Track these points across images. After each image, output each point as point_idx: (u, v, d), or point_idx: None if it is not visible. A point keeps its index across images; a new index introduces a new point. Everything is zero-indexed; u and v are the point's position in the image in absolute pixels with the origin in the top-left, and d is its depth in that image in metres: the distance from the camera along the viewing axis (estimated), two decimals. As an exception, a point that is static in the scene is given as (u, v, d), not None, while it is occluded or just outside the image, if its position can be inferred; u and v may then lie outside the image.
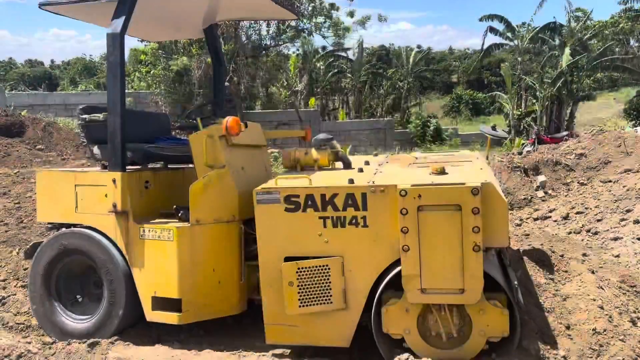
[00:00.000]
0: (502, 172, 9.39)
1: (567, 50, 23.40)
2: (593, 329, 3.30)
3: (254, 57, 20.06)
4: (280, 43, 21.04)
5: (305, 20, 20.58)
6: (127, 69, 23.97)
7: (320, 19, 21.18)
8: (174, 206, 3.91)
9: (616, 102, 36.61)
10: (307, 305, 3.35)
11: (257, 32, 20.33)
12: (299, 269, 3.34)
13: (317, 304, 3.35)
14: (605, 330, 3.30)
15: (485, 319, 3.15)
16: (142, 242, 3.77)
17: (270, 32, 20.77)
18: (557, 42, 25.37)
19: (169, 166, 4.52)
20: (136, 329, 4.00)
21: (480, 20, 26.38)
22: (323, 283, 3.33)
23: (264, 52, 20.83)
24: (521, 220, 7.81)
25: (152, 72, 19.26)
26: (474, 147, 21.12)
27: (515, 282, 3.25)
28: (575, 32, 25.11)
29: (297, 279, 3.34)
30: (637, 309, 3.86)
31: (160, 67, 18.65)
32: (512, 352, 3.15)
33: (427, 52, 44.67)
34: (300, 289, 3.34)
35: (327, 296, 3.34)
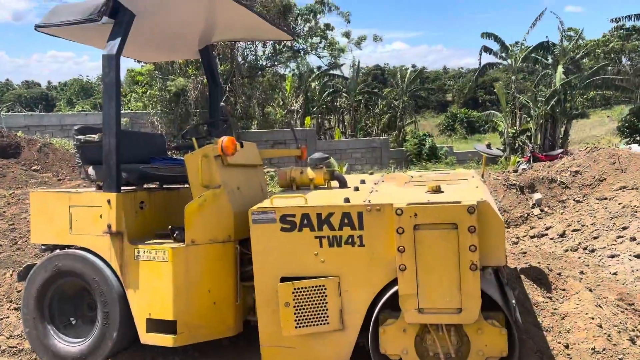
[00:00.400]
0: (497, 190, 9.41)
1: (560, 69, 23.67)
2: (592, 348, 3.28)
3: (250, 77, 20.18)
4: (276, 63, 21.19)
5: (301, 41, 20.77)
6: (123, 90, 24.10)
7: (316, 40, 21.39)
8: (169, 226, 3.89)
9: (610, 119, 36.93)
10: (303, 326, 3.31)
11: (253, 52, 20.51)
12: (295, 289, 3.31)
13: (313, 324, 3.31)
14: (604, 349, 3.27)
15: (484, 339, 3.12)
16: (137, 263, 3.74)
17: (266, 52, 20.95)
18: (550, 61, 25.67)
19: (164, 186, 4.50)
20: (130, 351, 3.95)
21: (482, 36, 26.71)
22: (319, 303, 3.30)
23: (260, 72, 20.97)
24: (518, 238, 7.80)
25: (148, 92, 19.33)
26: (469, 165, 21.22)
27: (513, 301, 3.22)
28: (567, 51, 25.41)
29: (294, 299, 3.31)
30: (635, 327, 3.83)
31: (157, 87, 18.73)
32: (511, 372, 3.11)
33: (422, 71, 45.07)
34: (296, 309, 3.31)
35: (324, 317, 3.30)
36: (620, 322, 3.77)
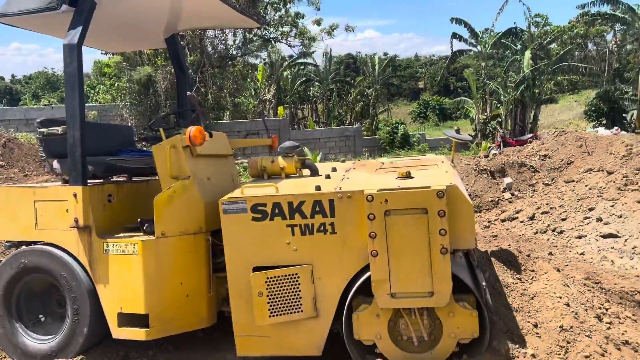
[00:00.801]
0: (469, 175, 9.53)
1: (528, 54, 24.05)
2: (560, 326, 3.36)
3: (221, 67, 19.93)
4: (247, 53, 20.96)
5: (271, 30, 20.58)
6: (91, 82, 23.54)
7: (287, 28, 21.21)
8: (139, 219, 3.82)
9: (577, 104, 37.69)
10: (277, 315, 3.31)
11: (223, 42, 20.22)
12: (268, 278, 3.30)
13: (287, 313, 3.31)
14: (571, 327, 3.35)
15: (455, 321, 3.17)
16: (107, 257, 3.67)
17: (237, 41, 20.70)
18: (518, 47, 26.02)
19: (133, 179, 4.42)
20: (102, 347, 3.89)
21: (451, 21, 26.90)
22: (293, 292, 3.30)
23: (230, 62, 20.72)
24: (489, 222, 7.93)
25: (116, 84, 18.92)
26: (441, 151, 21.46)
27: (484, 283, 3.28)
28: (535, 37, 25.81)
29: (267, 288, 3.30)
30: (601, 305, 3.94)
31: (125, 79, 18.34)
32: (482, 352, 3.17)
33: (393, 59, 45.20)
34: (270, 298, 3.30)
35: (298, 305, 3.30)
36: (587, 300, 3.87)
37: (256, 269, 3.34)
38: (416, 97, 53.08)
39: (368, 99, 34.92)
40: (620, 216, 6.67)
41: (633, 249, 5.88)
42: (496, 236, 5.90)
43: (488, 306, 3.22)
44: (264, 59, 25.89)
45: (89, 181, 3.81)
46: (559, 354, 3.20)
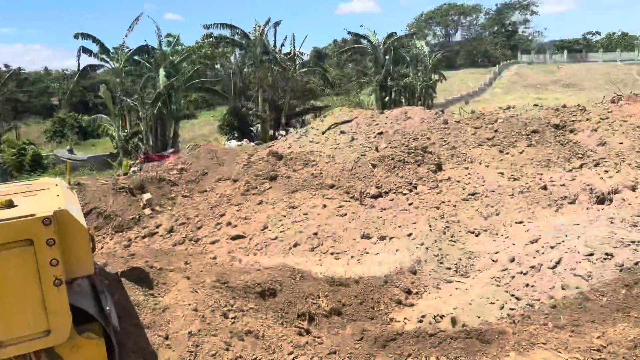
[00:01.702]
0: (107, 195, 9.18)
1: (162, 72, 24.84)
2: (189, 332, 3.52)
3: None
4: None
5: None
6: None
7: None
8: None
9: (214, 119, 41.03)
10: None
11: None
12: None
13: None
14: (199, 331, 3.56)
15: (80, 355, 2.97)
16: None
17: None
18: (152, 64, 26.56)
19: None
20: None
21: (75, 37, 25.29)
22: None
23: None
24: (129, 240, 7.81)
25: None
26: (83, 172, 20.12)
27: (108, 308, 3.15)
28: (167, 55, 26.88)
29: None
30: (228, 302, 4.32)
31: None
32: (112, 380, 3.05)
33: (18, 72, 40.03)
34: None
35: None
36: (215, 301, 4.18)
37: None
38: (50, 114, 48.33)
39: (-13, 116, 29.94)
40: (245, 218, 7.52)
41: (256, 245, 6.70)
42: (134, 254, 5.83)
43: (115, 330, 3.12)
44: None
45: None
46: (190, 359, 3.35)
